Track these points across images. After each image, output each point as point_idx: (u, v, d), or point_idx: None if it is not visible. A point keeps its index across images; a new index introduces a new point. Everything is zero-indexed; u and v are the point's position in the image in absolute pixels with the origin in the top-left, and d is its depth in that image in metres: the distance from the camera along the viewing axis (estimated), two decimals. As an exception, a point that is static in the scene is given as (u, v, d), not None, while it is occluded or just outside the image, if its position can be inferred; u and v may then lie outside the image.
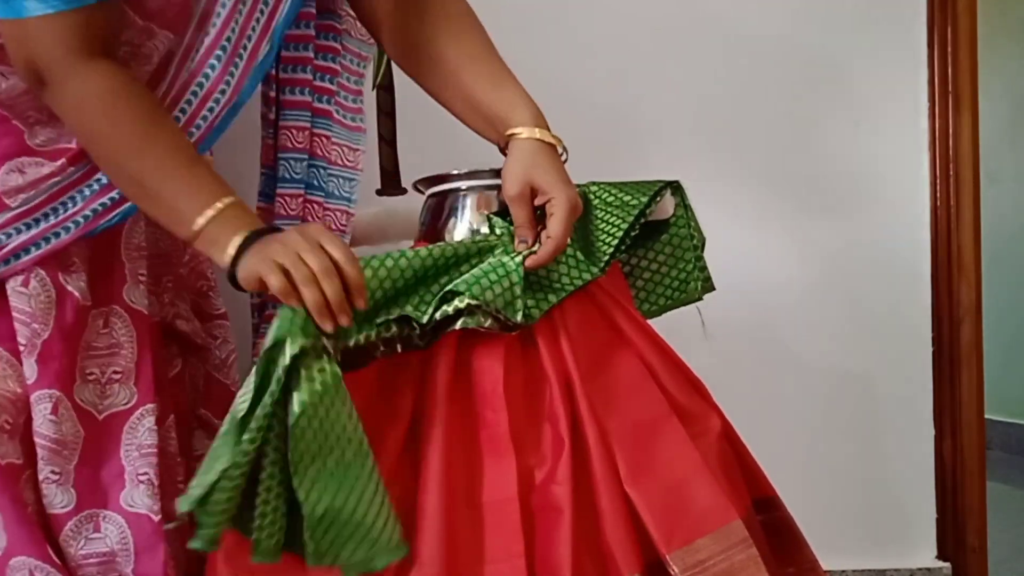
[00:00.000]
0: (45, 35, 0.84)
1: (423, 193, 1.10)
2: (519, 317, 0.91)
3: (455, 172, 1.06)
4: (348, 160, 1.19)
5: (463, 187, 1.04)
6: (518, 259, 0.92)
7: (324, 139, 1.16)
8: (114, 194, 0.94)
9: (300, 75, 1.14)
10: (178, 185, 0.87)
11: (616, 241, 0.99)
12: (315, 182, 1.16)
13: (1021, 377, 3.21)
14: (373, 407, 0.93)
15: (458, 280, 0.90)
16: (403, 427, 0.90)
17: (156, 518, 0.94)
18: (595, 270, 0.97)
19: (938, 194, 1.79)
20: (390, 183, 1.58)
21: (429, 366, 0.92)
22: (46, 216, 0.93)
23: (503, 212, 1.00)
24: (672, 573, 0.84)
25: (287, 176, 1.14)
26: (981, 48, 1.80)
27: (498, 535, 0.85)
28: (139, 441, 0.96)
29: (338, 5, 1.16)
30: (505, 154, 1.00)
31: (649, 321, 1.02)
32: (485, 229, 1.01)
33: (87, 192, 0.94)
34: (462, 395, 0.91)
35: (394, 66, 1.65)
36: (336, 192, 1.18)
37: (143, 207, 0.92)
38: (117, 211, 0.95)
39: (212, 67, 0.95)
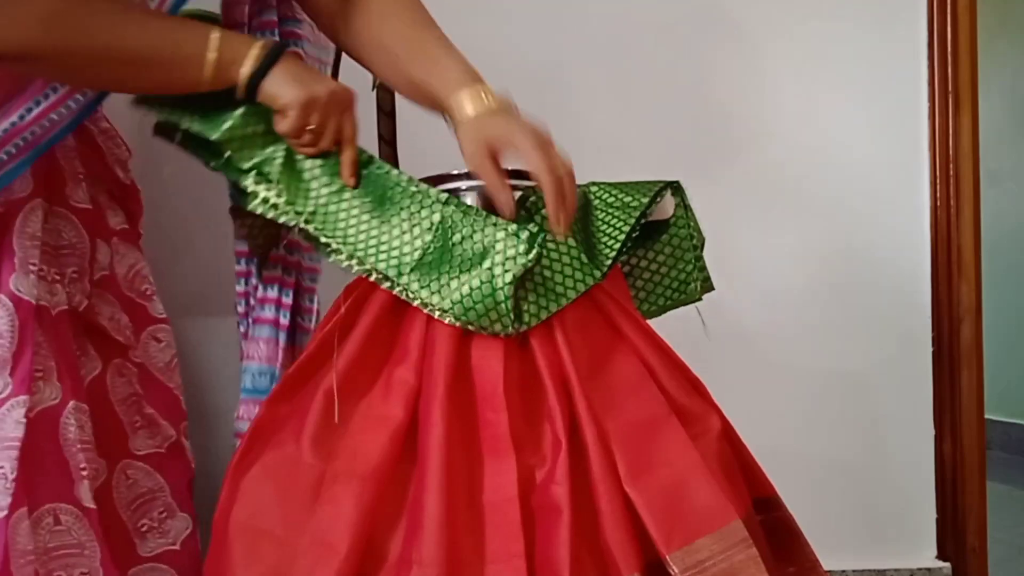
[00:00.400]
0: None
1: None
2: (508, 331, 0.91)
3: (455, 172, 1.06)
4: None
5: (463, 187, 1.04)
6: (508, 277, 0.89)
7: None
8: None
9: None
10: (173, 36, 0.92)
11: (619, 244, 0.99)
12: None
13: (1021, 377, 3.21)
14: (373, 406, 0.93)
15: (446, 290, 0.91)
16: (403, 427, 0.90)
17: (1, 514, 0.90)
18: (598, 274, 0.97)
19: (938, 194, 1.79)
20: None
21: (428, 363, 0.92)
22: None
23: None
24: (672, 573, 0.83)
25: None
26: (981, 48, 1.80)
27: (498, 535, 0.85)
28: (4, 433, 0.92)
29: (296, 11, 1.15)
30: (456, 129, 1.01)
31: (649, 321, 1.02)
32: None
33: None
34: (462, 395, 0.91)
35: (394, 66, 1.66)
36: None
37: (144, 77, 0.94)
38: None
39: None
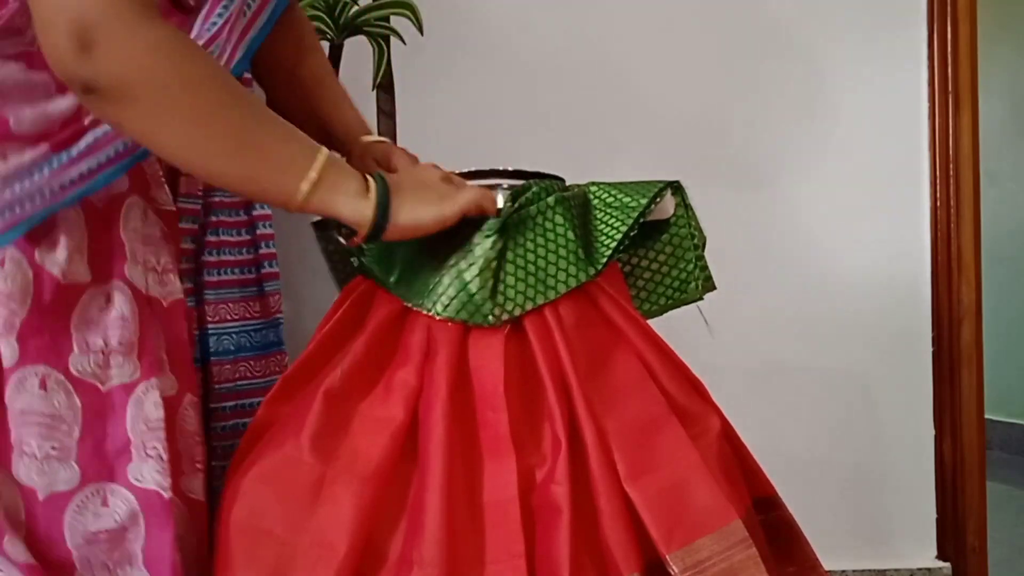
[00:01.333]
0: None
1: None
2: (490, 321, 0.93)
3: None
4: None
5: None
6: (474, 270, 0.93)
7: None
8: (83, 168, 0.89)
9: None
10: (281, 131, 0.85)
11: (615, 243, 0.99)
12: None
13: (1021, 377, 3.21)
14: (373, 406, 0.93)
15: (426, 290, 0.95)
16: (404, 427, 0.90)
17: (166, 495, 0.91)
18: (592, 271, 0.97)
19: (938, 194, 1.79)
20: (390, 183, 1.58)
21: (429, 365, 0.92)
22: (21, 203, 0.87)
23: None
24: (672, 573, 0.83)
25: None
26: (981, 48, 1.80)
27: (499, 535, 0.85)
28: (146, 414, 0.92)
29: None
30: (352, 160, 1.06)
31: (649, 321, 1.02)
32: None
33: (55, 164, 0.88)
34: (462, 395, 0.91)
35: (395, 66, 1.66)
36: None
37: (232, 164, 0.85)
38: (94, 178, 0.89)
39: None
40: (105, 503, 0.91)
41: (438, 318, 0.94)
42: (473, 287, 0.93)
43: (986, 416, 1.83)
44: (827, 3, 1.76)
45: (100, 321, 0.93)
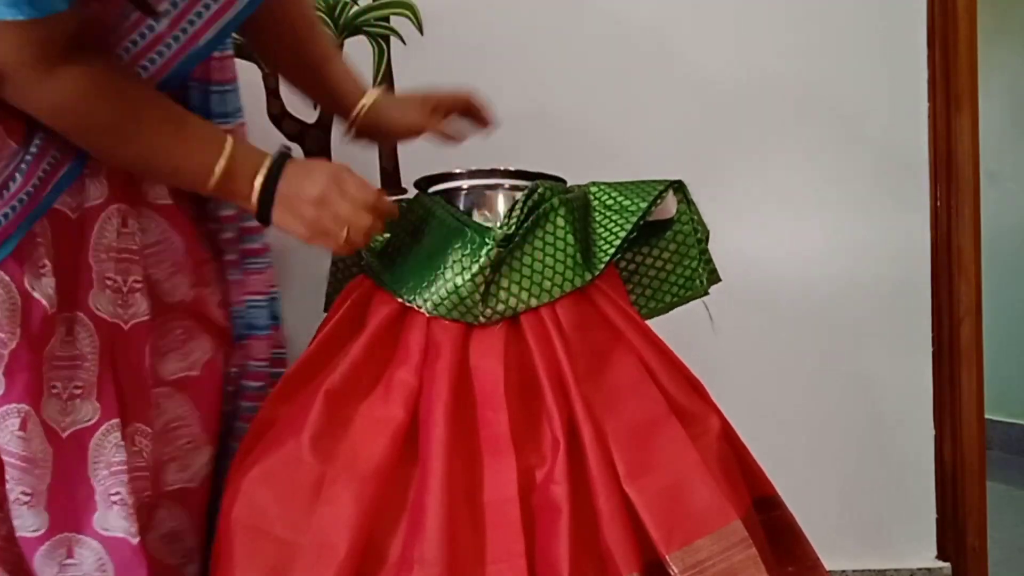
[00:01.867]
0: (11, 40, 0.79)
1: (424, 192, 1.10)
2: (481, 320, 0.95)
3: (455, 171, 1.06)
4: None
5: (463, 186, 1.05)
6: (467, 275, 0.95)
7: None
8: (50, 158, 0.89)
9: None
10: (180, 149, 0.90)
11: (612, 249, 0.99)
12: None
13: (1021, 377, 3.21)
14: (373, 407, 0.93)
15: (419, 287, 0.97)
16: (404, 428, 0.90)
17: (134, 541, 0.88)
18: (588, 276, 0.98)
19: (938, 194, 1.79)
20: (390, 182, 1.58)
21: (429, 365, 0.92)
22: None
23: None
24: (672, 573, 0.84)
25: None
26: (981, 48, 1.80)
27: (499, 535, 0.85)
28: (107, 458, 0.89)
29: None
30: (359, 126, 1.14)
31: (648, 322, 1.02)
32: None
33: (23, 167, 0.87)
34: (462, 395, 0.91)
35: (393, 66, 1.65)
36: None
37: (155, 180, 0.95)
38: (57, 177, 0.89)
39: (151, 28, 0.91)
40: (71, 554, 0.89)
41: (428, 316, 0.95)
42: (464, 291, 0.94)
43: (986, 416, 1.83)
44: (827, 3, 1.76)
45: (62, 360, 0.89)
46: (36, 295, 0.86)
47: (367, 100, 1.14)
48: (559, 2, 1.71)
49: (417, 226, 1.04)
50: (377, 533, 0.86)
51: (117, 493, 0.89)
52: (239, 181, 0.91)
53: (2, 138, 0.87)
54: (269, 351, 1.08)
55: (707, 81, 1.73)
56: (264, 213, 0.92)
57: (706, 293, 1.08)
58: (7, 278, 0.85)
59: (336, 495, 0.86)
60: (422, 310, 0.96)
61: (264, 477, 0.90)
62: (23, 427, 0.85)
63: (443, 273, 0.96)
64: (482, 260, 0.94)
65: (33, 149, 0.88)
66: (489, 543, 0.85)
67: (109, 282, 0.93)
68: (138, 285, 0.95)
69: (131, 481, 0.90)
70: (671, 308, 1.08)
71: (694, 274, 1.07)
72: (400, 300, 0.98)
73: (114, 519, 0.89)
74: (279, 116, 1.61)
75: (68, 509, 0.88)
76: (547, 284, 0.96)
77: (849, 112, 1.76)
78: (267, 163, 0.91)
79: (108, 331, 0.92)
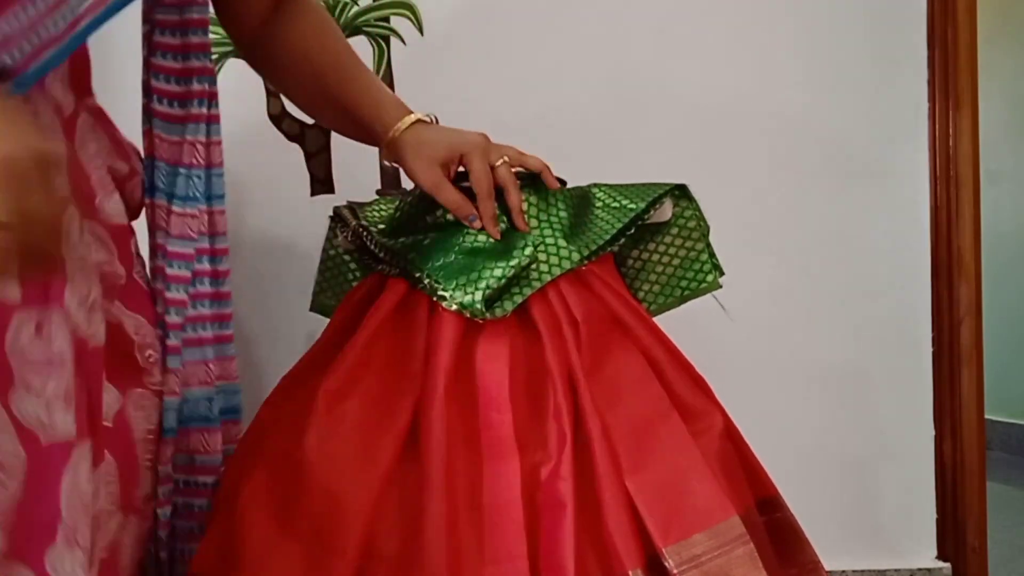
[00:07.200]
0: None
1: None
2: (487, 316, 0.95)
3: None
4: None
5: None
6: (500, 272, 0.95)
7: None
8: None
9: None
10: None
11: (602, 241, 0.99)
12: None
13: (1021, 377, 3.21)
14: (373, 407, 0.93)
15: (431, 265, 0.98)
16: (405, 428, 0.90)
17: None
18: (576, 256, 0.97)
19: (938, 194, 1.79)
20: (390, 182, 1.58)
21: (431, 366, 0.92)
22: None
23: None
24: (668, 567, 0.84)
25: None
26: (981, 48, 1.80)
27: (500, 536, 0.85)
28: (81, 489, 0.71)
29: None
30: (389, 154, 1.01)
31: (653, 319, 1.02)
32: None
33: None
34: (464, 396, 0.91)
35: (395, 66, 1.66)
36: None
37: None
38: None
39: None
40: None
41: (431, 315, 0.94)
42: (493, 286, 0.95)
43: (986, 416, 1.83)
44: (827, 4, 1.76)
45: (37, 357, 0.71)
46: None
47: (392, 135, 1.00)
48: (559, 3, 1.71)
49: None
50: (377, 533, 0.86)
51: (84, 536, 0.71)
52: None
53: None
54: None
55: (706, 81, 1.73)
56: None
57: (719, 286, 1.08)
58: None
59: (336, 495, 0.86)
60: (448, 303, 0.95)
61: (263, 477, 0.90)
62: None
63: (487, 267, 0.96)
64: (520, 261, 0.96)
65: None
66: (489, 544, 0.85)
67: (78, 287, 0.76)
68: (98, 304, 0.79)
69: (92, 526, 0.73)
70: (682, 302, 1.08)
71: (704, 266, 1.07)
72: (419, 290, 0.98)
73: (71, 564, 0.70)
74: (279, 116, 1.62)
75: (25, 531, 0.69)
76: (533, 274, 0.97)
77: (849, 112, 1.76)
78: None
79: (79, 342, 0.75)
